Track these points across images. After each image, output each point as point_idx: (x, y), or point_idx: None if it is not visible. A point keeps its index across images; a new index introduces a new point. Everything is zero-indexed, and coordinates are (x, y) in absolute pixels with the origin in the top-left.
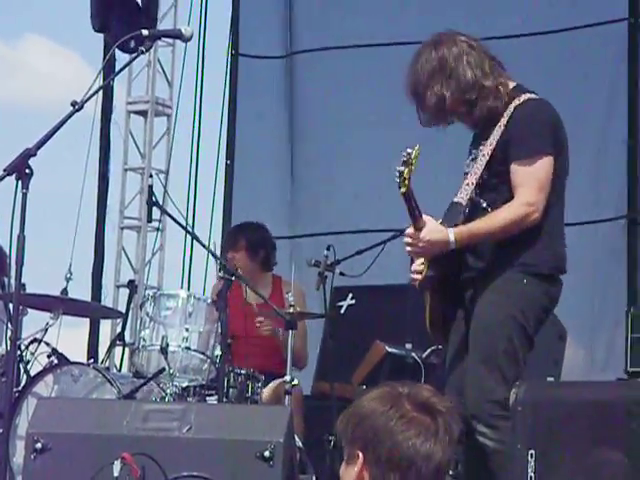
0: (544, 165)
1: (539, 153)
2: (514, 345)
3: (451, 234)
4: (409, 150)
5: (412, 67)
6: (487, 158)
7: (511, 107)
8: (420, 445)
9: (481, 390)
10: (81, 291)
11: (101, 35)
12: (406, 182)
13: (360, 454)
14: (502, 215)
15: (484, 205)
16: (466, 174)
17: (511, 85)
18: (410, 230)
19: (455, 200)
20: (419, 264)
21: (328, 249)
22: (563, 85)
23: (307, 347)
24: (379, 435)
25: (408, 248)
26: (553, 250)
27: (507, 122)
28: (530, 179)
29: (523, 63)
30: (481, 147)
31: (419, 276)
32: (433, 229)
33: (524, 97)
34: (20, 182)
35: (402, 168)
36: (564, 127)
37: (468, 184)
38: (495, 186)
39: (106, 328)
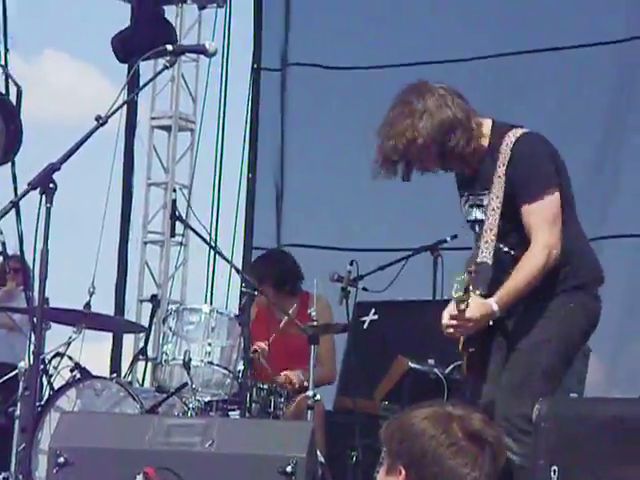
0: (553, 200)
1: (547, 190)
2: (554, 366)
3: (494, 305)
4: (458, 278)
5: (395, 127)
6: (499, 211)
7: (506, 145)
8: (466, 475)
9: (512, 404)
10: (104, 305)
11: None
12: (468, 303)
13: (403, 470)
14: (528, 267)
15: (506, 249)
16: (470, 222)
17: (488, 122)
18: (453, 311)
19: (480, 260)
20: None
21: (351, 264)
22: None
23: (334, 364)
24: (426, 458)
25: (450, 330)
26: (587, 263)
27: (507, 162)
28: (543, 220)
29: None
30: (482, 197)
31: (451, 330)
32: (477, 306)
33: (517, 132)
34: (44, 196)
35: (460, 294)
36: (557, 151)
37: (487, 241)
38: (512, 229)
39: (129, 342)
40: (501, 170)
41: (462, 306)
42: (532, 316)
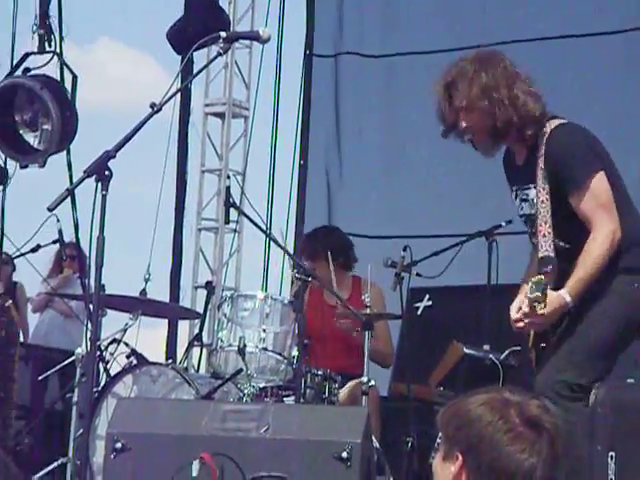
0: (600, 184)
1: (591, 175)
2: (606, 343)
3: (567, 296)
4: (534, 279)
5: (453, 90)
6: (548, 203)
7: (543, 136)
8: (524, 461)
9: (553, 370)
10: (159, 292)
11: None
12: (544, 305)
13: (460, 456)
14: (595, 253)
15: (566, 246)
16: (524, 217)
17: (539, 108)
18: (526, 308)
19: (543, 255)
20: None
21: (405, 250)
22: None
23: (391, 344)
24: (483, 444)
25: (520, 324)
26: None
27: (545, 155)
28: (597, 205)
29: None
30: (527, 191)
31: (521, 325)
32: (551, 299)
33: (552, 124)
34: (100, 184)
35: (537, 295)
36: (595, 137)
37: (545, 235)
38: (564, 221)
39: (184, 329)
40: (541, 162)
41: (539, 308)
42: (592, 295)
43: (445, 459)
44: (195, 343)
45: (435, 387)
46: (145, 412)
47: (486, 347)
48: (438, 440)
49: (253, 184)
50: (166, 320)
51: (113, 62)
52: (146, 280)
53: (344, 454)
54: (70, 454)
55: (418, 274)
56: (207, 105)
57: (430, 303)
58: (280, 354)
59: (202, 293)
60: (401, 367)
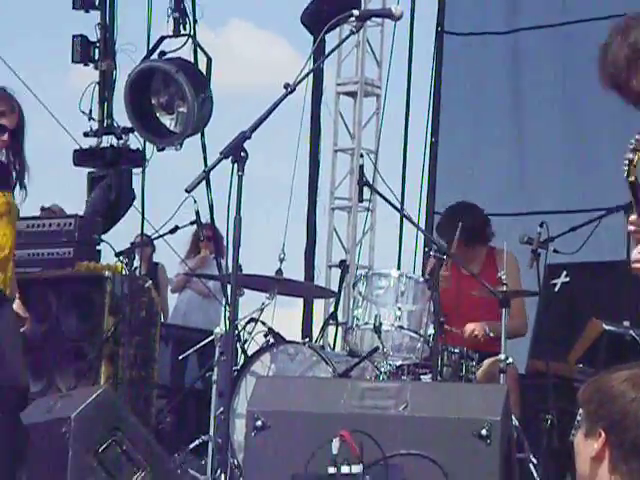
0: None
1: None
2: None
3: None
4: (637, 137)
5: (604, 58)
6: None
7: None
8: None
9: None
10: (294, 271)
11: None
12: (635, 170)
13: (602, 433)
14: None
15: None
16: None
17: None
18: (633, 217)
19: None
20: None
21: (541, 226)
22: None
23: (525, 315)
24: (627, 421)
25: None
26: None
27: None
28: None
29: None
30: None
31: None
32: None
33: None
34: (236, 165)
35: (631, 156)
36: None
37: None
38: None
39: (319, 307)
40: None
41: (631, 177)
42: None
43: (587, 436)
44: (330, 322)
45: (574, 364)
46: (284, 390)
47: (626, 323)
48: (579, 417)
49: (386, 162)
50: (301, 299)
51: (245, 44)
52: (281, 260)
53: (484, 431)
54: (211, 432)
55: (555, 250)
56: (339, 84)
57: (568, 279)
58: (416, 332)
59: (336, 272)
60: (539, 344)
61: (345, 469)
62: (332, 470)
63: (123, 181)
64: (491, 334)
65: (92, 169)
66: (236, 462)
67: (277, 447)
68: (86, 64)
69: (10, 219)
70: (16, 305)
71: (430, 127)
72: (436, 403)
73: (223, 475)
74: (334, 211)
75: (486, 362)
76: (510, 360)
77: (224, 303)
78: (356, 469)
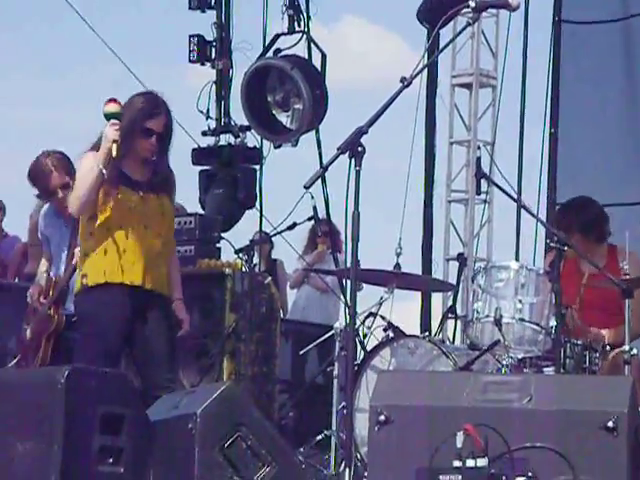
0: None
1: None
2: None
3: None
4: None
5: None
6: None
7: None
8: None
9: None
10: (411, 265)
11: None
12: None
13: None
14: None
15: None
16: None
17: None
18: None
19: None
20: None
21: None
22: None
23: None
24: None
25: None
26: None
27: None
28: None
29: None
30: None
31: None
32: None
33: None
34: (353, 160)
35: None
36: None
37: None
38: None
39: (436, 301)
40: None
41: None
42: None
43: None
44: (449, 315)
45: None
46: (406, 384)
47: None
48: None
49: (503, 154)
50: (419, 293)
51: (358, 39)
52: (398, 254)
53: (610, 424)
54: (333, 427)
55: None
56: (454, 76)
57: None
58: (537, 324)
59: (454, 265)
60: None
61: (470, 462)
62: (457, 464)
63: (249, 179)
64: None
65: (207, 167)
66: (359, 456)
67: (400, 441)
68: (203, 64)
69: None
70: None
71: (549, 117)
72: (560, 396)
73: (347, 470)
74: (451, 204)
75: (611, 354)
76: (635, 351)
77: (342, 298)
78: (481, 462)
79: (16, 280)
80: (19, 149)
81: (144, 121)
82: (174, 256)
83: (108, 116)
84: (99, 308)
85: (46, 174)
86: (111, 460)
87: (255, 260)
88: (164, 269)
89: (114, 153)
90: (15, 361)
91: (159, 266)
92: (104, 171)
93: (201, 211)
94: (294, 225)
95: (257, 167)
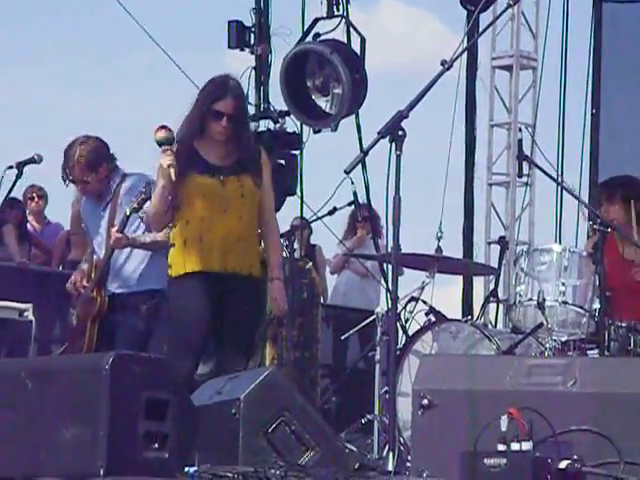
0: None
1: None
2: None
3: None
4: None
5: None
6: None
7: None
8: None
9: None
10: (452, 249)
11: None
12: None
13: None
14: None
15: None
16: None
17: None
18: None
19: None
20: None
21: None
22: None
23: None
24: None
25: None
26: None
27: None
28: None
29: None
30: None
31: None
32: None
33: None
34: (394, 144)
35: None
36: None
37: None
38: None
39: (477, 285)
40: None
41: None
42: None
43: None
44: (491, 299)
45: None
46: (449, 368)
47: None
48: None
49: (544, 136)
50: (459, 277)
51: (396, 22)
52: (438, 238)
53: None
54: (376, 411)
55: None
56: (494, 58)
57: None
58: (581, 307)
59: (495, 248)
60: None
61: (515, 446)
62: (501, 447)
63: (290, 165)
64: None
65: None
66: (401, 440)
67: (444, 425)
68: (242, 49)
69: None
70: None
71: (590, 98)
72: (605, 378)
73: (391, 454)
74: (492, 187)
75: None
76: None
77: (383, 283)
78: (526, 446)
79: (60, 268)
80: (59, 135)
81: (212, 104)
82: (272, 235)
83: (159, 143)
84: (181, 299)
85: (71, 164)
86: (156, 445)
87: (295, 246)
88: (251, 250)
89: (173, 178)
90: (62, 349)
91: (242, 248)
92: (169, 197)
93: None
94: (334, 210)
95: (297, 152)
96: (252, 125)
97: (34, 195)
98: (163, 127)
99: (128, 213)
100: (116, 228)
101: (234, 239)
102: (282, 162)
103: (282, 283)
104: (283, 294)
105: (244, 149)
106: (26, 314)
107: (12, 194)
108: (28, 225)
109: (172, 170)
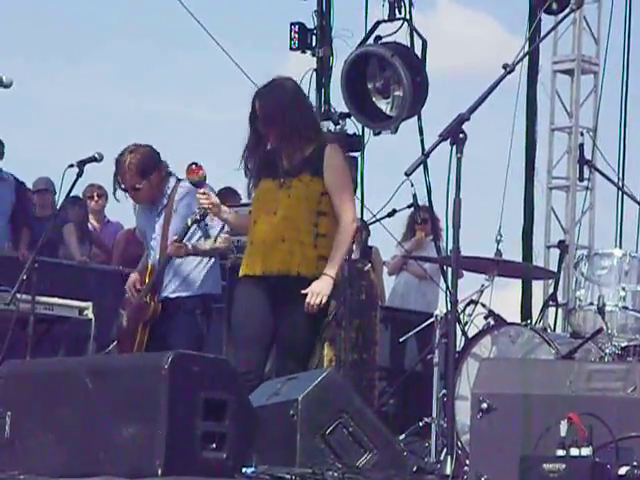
0: None
1: None
2: None
3: None
4: None
5: None
6: None
7: None
8: None
9: None
10: (511, 252)
11: None
12: None
13: None
14: None
15: None
16: None
17: None
18: None
19: None
20: None
21: None
22: None
23: None
24: None
25: None
26: None
27: None
28: None
29: None
30: None
31: None
32: None
33: None
34: (455, 147)
35: None
36: None
37: None
38: None
39: (536, 289)
40: None
41: None
42: None
43: None
44: (550, 303)
45: None
46: (508, 372)
47: None
48: None
49: (605, 140)
50: (518, 281)
51: (455, 25)
52: (498, 241)
53: None
54: (434, 414)
55: None
56: (555, 62)
57: None
58: None
59: (555, 252)
60: None
61: (574, 451)
62: (561, 452)
63: (353, 168)
64: None
65: None
66: (459, 444)
67: (503, 429)
68: (304, 51)
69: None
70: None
71: None
72: None
73: (449, 457)
74: (552, 191)
75: None
76: None
77: (441, 285)
78: (586, 451)
79: (120, 267)
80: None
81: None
82: (338, 233)
83: (192, 184)
84: (237, 300)
85: (123, 172)
86: (214, 446)
87: (353, 247)
88: (298, 250)
89: (222, 215)
90: (113, 345)
91: (288, 249)
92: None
93: None
94: (394, 212)
95: (357, 154)
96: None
97: (94, 194)
98: (195, 168)
99: (189, 224)
100: (176, 237)
101: (277, 239)
102: None
103: (329, 280)
104: (321, 289)
105: (292, 149)
106: (86, 312)
107: (73, 193)
108: (88, 224)
109: (215, 209)
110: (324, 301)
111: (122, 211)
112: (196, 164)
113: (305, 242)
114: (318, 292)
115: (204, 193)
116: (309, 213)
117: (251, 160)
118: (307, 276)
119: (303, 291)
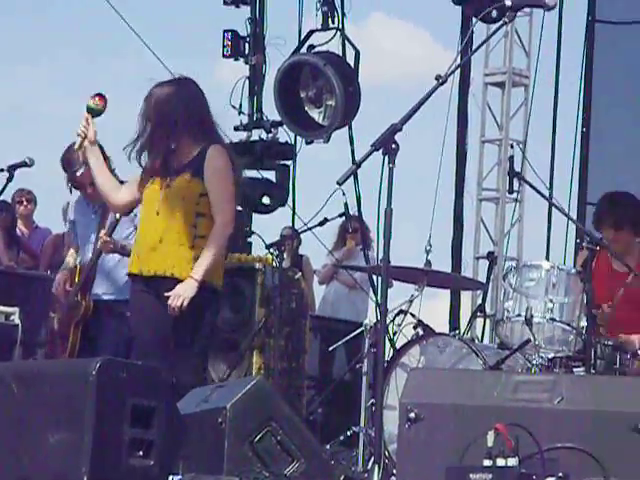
0: None
1: None
2: None
3: None
4: None
5: None
6: None
7: None
8: None
9: None
10: (441, 263)
11: (450, 10)
12: None
13: None
14: None
15: None
16: None
17: None
18: None
19: None
20: None
21: None
22: None
23: None
24: None
25: None
26: None
27: None
28: None
29: None
30: None
31: None
32: None
33: None
34: (387, 157)
35: None
36: None
37: None
38: None
39: (465, 299)
40: None
41: None
42: None
43: None
44: (478, 313)
45: None
46: (436, 382)
47: None
48: None
49: (534, 153)
50: (447, 291)
51: (387, 37)
52: (427, 251)
53: None
54: (362, 423)
55: None
56: (487, 75)
57: None
58: (568, 324)
59: (484, 263)
60: None
61: (501, 462)
62: (487, 463)
63: (285, 177)
64: None
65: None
66: (387, 453)
67: (430, 439)
68: (236, 59)
69: None
70: None
71: (581, 117)
72: (592, 396)
73: (377, 467)
74: (481, 202)
75: None
76: None
77: (371, 294)
78: (512, 462)
79: (48, 272)
80: (47, 140)
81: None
82: (210, 235)
83: (89, 110)
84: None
85: (75, 167)
86: (141, 453)
87: (284, 255)
88: (174, 251)
89: (75, 146)
90: (43, 351)
91: (164, 250)
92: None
93: None
94: (325, 221)
95: (289, 163)
96: (245, 135)
97: (23, 199)
98: (98, 97)
99: (118, 217)
100: (105, 231)
101: (156, 240)
102: (274, 172)
103: (192, 283)
104: (183, 292)
105: (159, 150)
106: (12, 318)
107: (2, 197)
108: (17, 229)
109: (79, 140)
110: (185, 304)
111: (51, 217)
112: (102, 95)
113: (184, 243)
114: (179, 294)
115: (87, 120)
116: (187, 214)
117: (140, 156)
118: (180, 278)
119: (166, 293)
